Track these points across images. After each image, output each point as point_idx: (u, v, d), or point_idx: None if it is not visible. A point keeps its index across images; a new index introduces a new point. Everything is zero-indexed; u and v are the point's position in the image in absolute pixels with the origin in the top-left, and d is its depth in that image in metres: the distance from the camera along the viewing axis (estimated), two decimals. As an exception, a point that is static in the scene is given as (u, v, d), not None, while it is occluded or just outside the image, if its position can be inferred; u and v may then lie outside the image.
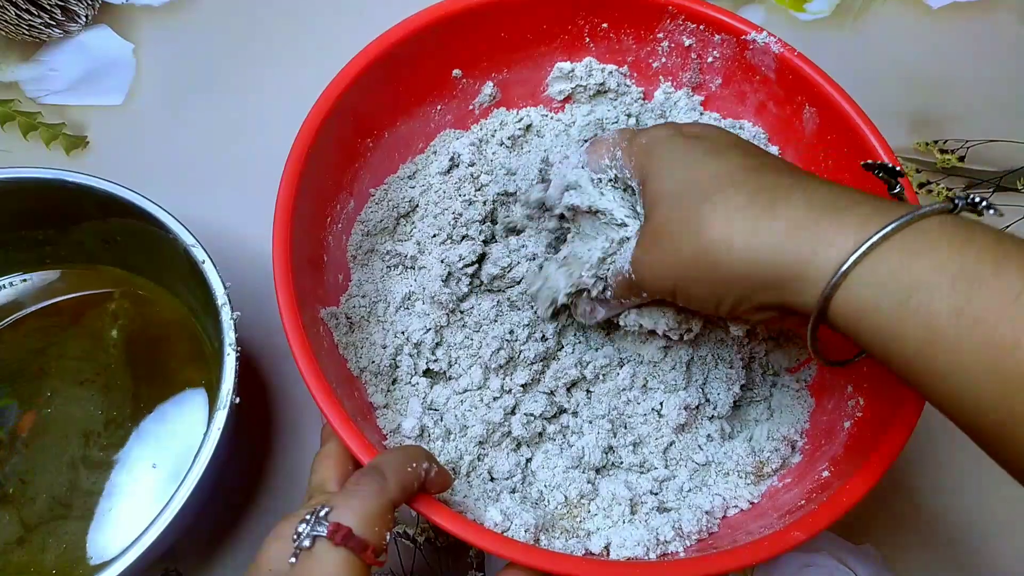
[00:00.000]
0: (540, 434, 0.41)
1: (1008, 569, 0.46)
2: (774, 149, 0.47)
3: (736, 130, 0.47)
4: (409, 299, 0.43)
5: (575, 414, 0.42)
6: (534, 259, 0.42)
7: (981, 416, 0.25)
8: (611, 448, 0.41)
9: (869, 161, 0.36)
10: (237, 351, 0.38)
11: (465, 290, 0.42)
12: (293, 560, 0.28)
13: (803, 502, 0.37)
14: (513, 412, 0.41)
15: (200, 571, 0.44)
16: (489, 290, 0.43)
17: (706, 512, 0.39)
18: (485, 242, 0.43)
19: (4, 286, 0.46)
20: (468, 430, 0.40)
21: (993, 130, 0.58)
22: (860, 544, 0.46)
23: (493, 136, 0.47)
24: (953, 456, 0.48)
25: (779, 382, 0.44)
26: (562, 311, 0.42)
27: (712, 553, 0.34)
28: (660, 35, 0.47)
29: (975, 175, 0.57)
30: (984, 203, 0.28)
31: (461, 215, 0.43)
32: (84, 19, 0.58)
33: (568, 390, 0.42)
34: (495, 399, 0.41)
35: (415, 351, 0.42)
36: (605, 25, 0.46)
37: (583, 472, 0.40)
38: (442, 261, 0.42)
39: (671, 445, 0.41)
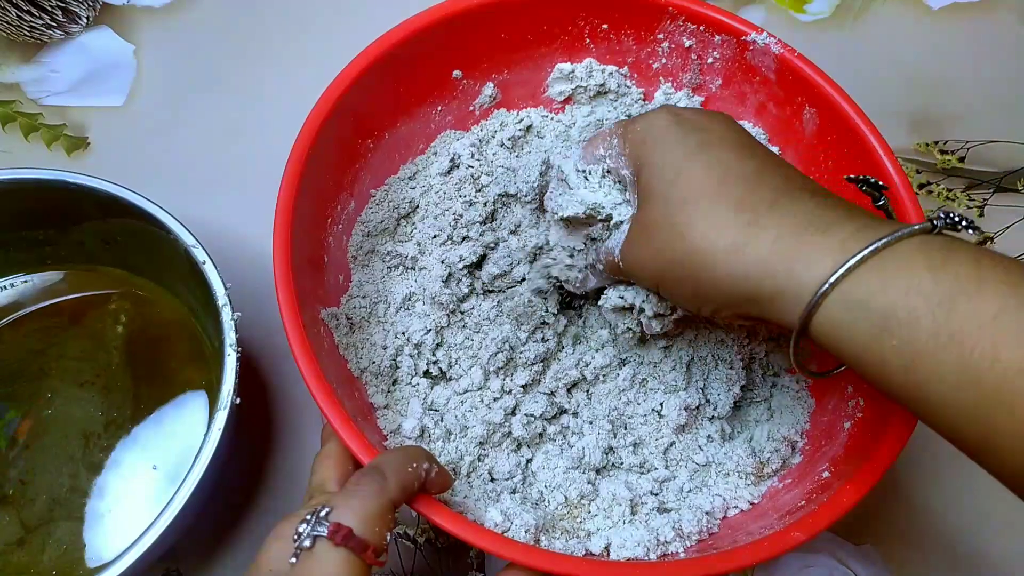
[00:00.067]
0: (540, 435, 0.41)
1: (1008, 569, 0.46)
2: (774, 150, 0.47)
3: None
4: (409, 300, 0.43)
5: (575, 415, 0.42)
6: (535, 259, 0.42)
7: (964, 429, 0.26)
8: (611, 449, 0.41)
9: (851, 175, 0.37)
10: (237, 351, 0.38)
11: (465, 291, 0.43)
12: (293, 560, 0.28)
13: (803, 503, 0.37)
14: (513, 413, 0.41)
15: (200, 571, 0.44)
16: (489, 290, 0.43)
17: (706, 513, 0.39)
18: (486, 245, 0.43)
19: (4, 286, 0.46)
20: (468, 431, 0.40)
21: (993, 130, 0.58)
22: (860, 544, 0.46)
23: (493, 137, 0.48)
24: (953, 457, 0.48)
25: (779, 383, 0.44)
26: (552, 294, 0.42)
27: (712, 554, 0.34)
28: (660, 36, 0.47)
29: (975, 175, 0.57)
30: (963, 222, 0.28)
31: (461, 216, 0.43)
32: (85, 20, 0.58)
33: (568, 391, 0.42)
34: (495, 400, 0.41)
35: (415, 352, 0.42)
36: (605, 26, 0.47)
37: (583, 473, 0.40)
38: (442, 262, 0.42)
39: (671, 446, 0.41)
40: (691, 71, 0.47)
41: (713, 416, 0.42)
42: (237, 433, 0.41)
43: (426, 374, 0.42)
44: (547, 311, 0.42)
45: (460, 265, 0.42)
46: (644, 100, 0.49)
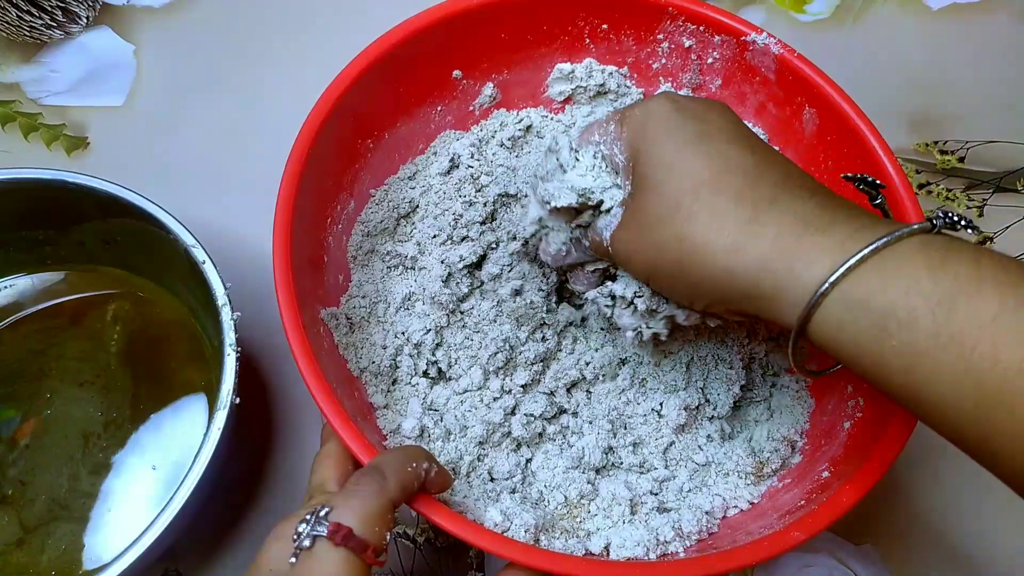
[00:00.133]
0: (540, 434, 0.41)
1: (1008, 569, 0.46)
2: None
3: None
4: (409, 300, 0.43)
5: (575, 414, 0.42)
6: (535, 259, 0.42)
7: (964, 430, 0.26)
8: (611, 448, 0.41)
9: (849, 174, 0.37)
10: (237, 351, 0.38)
11: (465, 291, 0.43)
12: (293, 560, 0.28)
13: (803, 502, 0.37)
14: (513, 412, 0.41)
15: (200, 571, 0.44)
16: (490, 290, 0.43)
17: (706, 512, 0.39)
18: (486, 245, 0.43)
19: (4, 287, 0.46)
20: (468, 430, 0.40)
21: (993, 131, 0.58)
22: (860, 544, 0.46)
23: (493, 137, 0.48)
24: (953, 457, 0.48)
25: (779, 382, 0.44)
26: (550, 288, 0.41)
27: (712, 553, 0.34)
28: (660, 36, 0.47)
29: (975, 176, 0.57)
30: (962, 221, 0.28)
31: (461, 216, 0.43)
32: (85, 20, 0.58)
33: (568, 390, 0.42)
34: (495, 399, 0.41)
35: (415, 351, 0.42)
36: (605, 26, 0.47)
37: (583, 472, 0.40)
38: (442, 262, 0.42)
39: (671, 445, 0.41)
40: (691, 71, 0.47)
41: (713, 416, 0.42)
42: (237, 433, 0.41)
43: (426, 374, 0.42)
44: (547, 310, 0.42)
45: (460, 265, 0.42)
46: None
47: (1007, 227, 0.56)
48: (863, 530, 0.46)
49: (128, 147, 0.55)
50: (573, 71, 0.48)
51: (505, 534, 0.36)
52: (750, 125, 0.47)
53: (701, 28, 0.45)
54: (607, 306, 0.37)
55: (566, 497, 0.40)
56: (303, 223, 0.39)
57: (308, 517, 0.28)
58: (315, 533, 0.28)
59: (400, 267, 0.44)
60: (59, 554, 0.40)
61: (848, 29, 0.62)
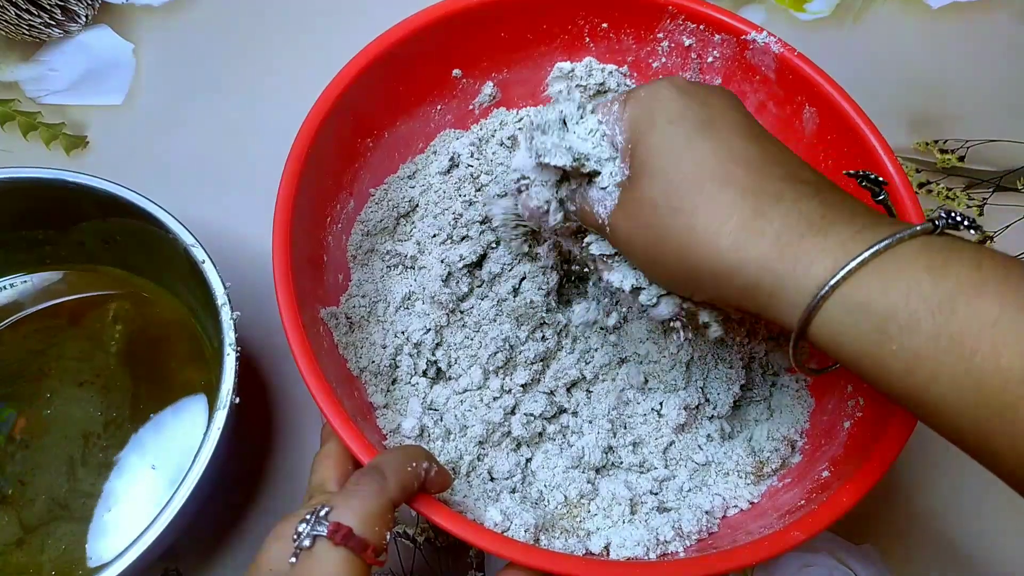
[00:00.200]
0: (540, 434, 0.41)
1: (1008, 569, 0.46)
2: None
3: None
4: (409, 299, 0.43)
5: (575, 414, 0.42)
6: (536, 258, 0.42)
7: (965, 432, 0.26)
8: (611, 448, 0.41)
9: (851, 171, 0.36)
10: (237, 351, 0.38)
11: (465, 290, 0.43)
12: (293, 560, 0.28)
13: (803, 502, 0.37)
14: (513, 412, 0.41)
15: (200, 571, 0.44)
16: (490, 289, 0.43)
17: (706, 512, 0.39)
18: (486, 244, 0.43)
19: (4, 287, 0.46)
20: (468, 430, 0.40)
21: (993, 130, 0.58)
22: (860, 544, 0.46)
23: (493, 136, 0.48)
24: (953, 457, 0.48)
25: (779, 382, 0.44)
26: (551, 286, 0.41)
27: (712, 553, 0.34)
28: (660, 35, 0.47)
29: (975, 175, 0.57)
30: (965, 221, 0.28)
31: (461, 215, 0.43)
32: (84, 19, 0.58)
33: (568, 390, 0.42)
34: (495, 399, 0.41)
35: (415, 351, 0.42)
36: (605, 25, 0.46)
37: (583, 472, 0.40)
38: (442, 261, 0.42)
39: (671, 445, 0.41)
40: (691, 70, 0.47)
41: (713, 415, 0.42)
42: (237, 433, 0.41)
43: (425, 373, 0.42)
44: (547, 310, 0.42)
45: (460, 264, 0.42)
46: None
47: (1007, 226, 0.56)
48: (863, 530, 0.46)
49: (128, 146, 0.55)
50: (573, 70, 0.48)
51: (505, 534, 0.36)
52: (750, 124, 0.47)
53: (701, 27, 0.45)
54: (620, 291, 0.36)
55: (566, 497, 0.40)
56: (303, 222, 0.38)
57: (308, 517, 0.28)
58: (315, 533, 0.28)
59: (400, 266, 0.44)
60: (59, 554, 0.40)
61: (848, 28, 0.62)
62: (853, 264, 0.26)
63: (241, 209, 0.51)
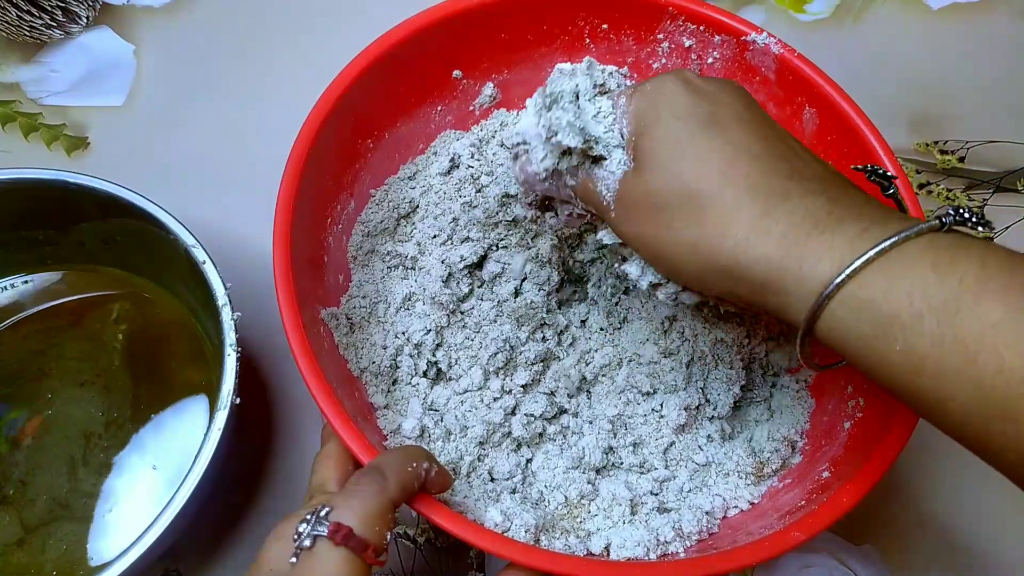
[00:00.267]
0: (540, 435, 0.41)
1: (1008, 570, 0.46)
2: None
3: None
4: (409, 300, 0.43)
5: (575, 415, 0.42)
6: (536, 257, 0.42)
7: (970, 432, 0.26)
8: (611, 448, 0.41)
9: (859, 165, 0.36)
10: (237, 351, 0.38)
11: (465, 291, 0.43)
12: (294, 560, 0.28)
13: (803, 502, 0.37)
14: (513, 413, 0.41)
15: (200, 571, 0.44)
16: (490, 290, 0.43)
17: (706, 512, 0.39)
18: (487, 245, 0.43)
19: (4, 287, 0.46)
20: (468, 431, 0.40)
21: (993, 130, 0.58)
22: (860, 544, 0.46)
23: (493, 137, 0.48)
24: (953, 457, 0.48)
25: (779, 382, 0.44)
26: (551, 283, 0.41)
27: (712, 553, 0.34)
28: (660, 36, 0.47)
29: (975, 176, 0.57)
30: (974, 218, 0.28)
31: (461, 216, 0.43)
32: (85, 20, 0.58)
33: (568, 391, 0.42)
34: (495, 400, 0.41)
35: (415, 352, 0.42)
36: (605, 26, 0.47)
37: (583, 472, 0.40)
38: (442, 262, 0.42)
39: (671, 445, 0.41)
40: (691, 71, 0.47)
41: (713, 416, 0.42)
42: (237, 433, 0.41)
43: (426, 374, 0.42)
44: (547, 310, 0.42)
45: (460, 265, 0.42)
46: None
47: (1007, 227, 0.56)
48: (863, 530, 0.46)
49: (128, 147, 0.55)
50: (573, 71, 0.48)
51: (505, 534, 0.36)
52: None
53: (701, 28, 0.45)
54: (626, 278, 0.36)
55: (566, 497, 0.40)
56: (303, 223, 0.39)
57: (308, 517, 0.28)
58: (315, 533, 0.28)
59: (400, 267, 0.44)
60: (60, 554, 0.40)
61: (848, 29, 0.62)
62: (858, 263, 0.26)
63: (241, 209, 0.51)
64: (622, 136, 0.32)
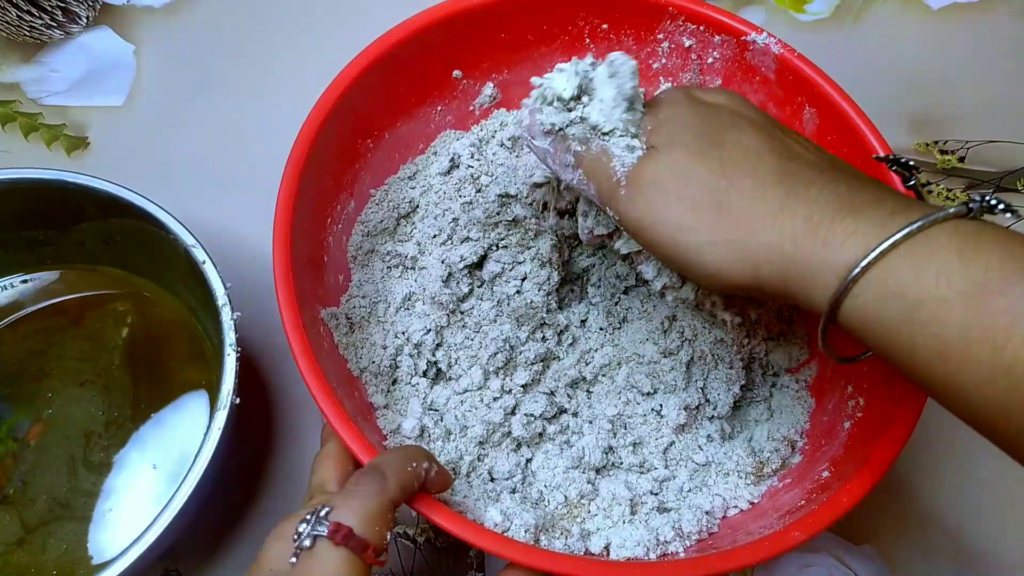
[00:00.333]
0: (540, 434, 0.41)
1: (1008, 569, 0.46)
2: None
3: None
4: (409, 299, 0.43)
5: (575, 414, 0.42)
6: (535, 258, 0.42)
7: (996, 422, 0.25)
8: (611, 448, 0.41)
9: (881, 155, 0.36)
10: (237, 351, 0.38)
11: (465, 290, 0.43)
12: (294, 560, 0.28)
13: (803, 502, 0.37)
14: (513, 412, 0.41)
15: (200, 571, 0.44)
16: (490, 289, 0.43)
17: (706, 512, 0.39)
18: (487, 245, 0.43)
19: (4, 287, 0.46)
20: (468, 430, 0.40)
21: (993, 130, 0.58)
22: (860, 544, 0.46)
23: (493, 137, 0.48)
24: (953, 456, 0.48)
25: (779, 382, 0.44)
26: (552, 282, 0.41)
27: (712, 553, 0.34)
28: (660, 36, 0.47)
29: (975, 176, 0.57)
30: (1000, 205, 0.28)
31: (461, 216, 0.43)
32: (85, 20, 0.58)
33: (568, 390, 0.42)
34: (495, 399, 0.41)
35: (415, 351, 0.42)
36: (605, 26, 0.47)
37: (583, 472, 0.40)
38: (442, 262, 0.42)
39: (671, 445, 0.41)
40: (691, 71, 0.47)
41: (713, 416, 0.42)
42: (237, 433, 0.41)
43: (425, 374, 0.42)
44: (547, 310, 0.42)
45: (460, 265, 0.42)
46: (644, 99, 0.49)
47: (1007, 227, 0.56)
48: (863, 530, 0.46)
49: (128, 147, 0.55)
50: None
51: (505, 534, 0.36)
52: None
53: (701, 28, 0.45)
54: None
55: (566, 497, 0.40)
56: (303, 223, 0.39)
57: (308, 517, 0.28)
58: (315, 533, 0.28)
59: (400, 267, 0.44)
60: (60, 553, 0.40)
61: (848, 29, 0.62)
62: (885, 245, 0.26)
63: (241, 209, 0.51)
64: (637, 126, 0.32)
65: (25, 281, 0.47)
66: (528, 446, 0.41)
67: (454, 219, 0.43)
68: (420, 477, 0.32)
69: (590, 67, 0.33)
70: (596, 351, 0.43)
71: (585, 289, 0.45)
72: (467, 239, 0.43)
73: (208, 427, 0.37)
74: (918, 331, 0.26)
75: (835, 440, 0.40)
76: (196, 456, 0.36)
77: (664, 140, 0.31)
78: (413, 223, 0.45)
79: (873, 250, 0.26)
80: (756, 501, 0.40)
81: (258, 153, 0.52)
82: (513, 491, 0.39)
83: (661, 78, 0.48)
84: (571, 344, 0.43)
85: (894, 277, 0.26)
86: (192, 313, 0.46)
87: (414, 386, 0.42)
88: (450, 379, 0.42)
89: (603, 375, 0.42)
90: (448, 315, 0.42)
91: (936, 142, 0.58)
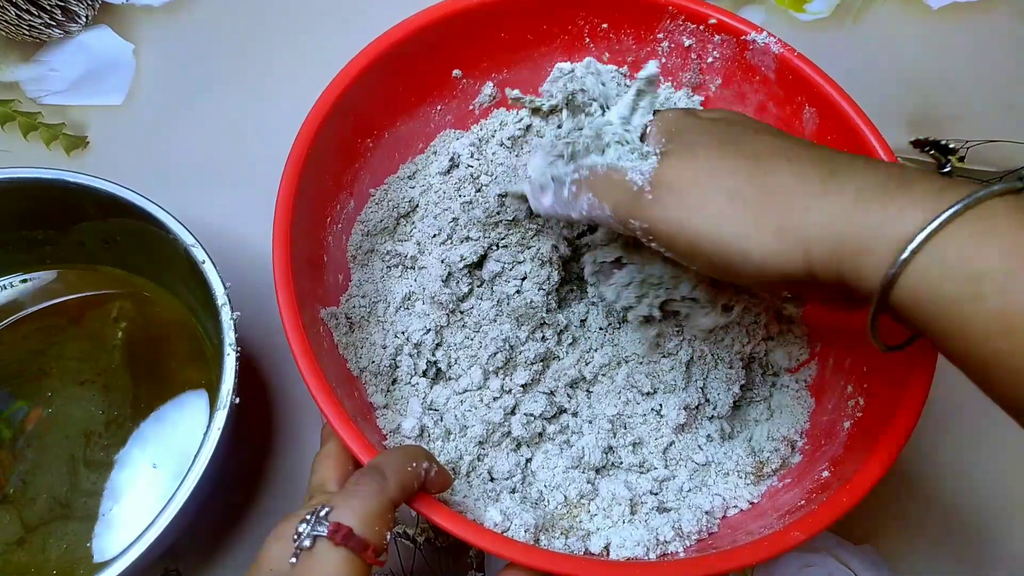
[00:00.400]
0: (540, 434, 0.41)
1: (1009, 570, 0.46)
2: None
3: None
4: (409, 299, 0.43)
5: (575, 414, 0.42)
6: (535, 258, 0.42)
7: None
8: (611, 448, 0.41)
9: (919, 138, 0.35)
10: (237, 351, 0.38)
11: (465, 290, 0.43)
12: (294, 560, 0.28)
13: (803, 502, 0.37)
14: (513, 412, 0.41)
15: (200, 571, 0.44)
16: (490, 289, 0.43)
17: (706, 512, 0.39)
18: (487, 245, 0.43)
19: (4, 286, 0.46)
20: (468, 430, 0.40)
21: (993, 130, 0.58)
22: (860, 544, 0.46)
23: (493, 136, 0.48)
24: (953, 456, 0.48)
25: (779, 382, 0.44)
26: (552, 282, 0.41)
27: (712, 553, 0.34)
28: (660, 35, 0.47)
29: (975, 175, 0.57)
30: None
31: (461, 216, 0.43)
32: (84, 19, 0.58)
33: (568, 390, 0.42)
34: (495, 399, 0.41)
35: (415, 351, 0.42)
36: (605, 25, 0.46)
37: (583, 472, 0.40)
38: (442, 261, 0.42)
39: (671, 445, 0.41)
40: (691, 70, 0.47)
41: (713, 416, 0.42)
42: (237, 433, 0.41)
43: (425, 374, 0.42)
44: (547, 310, 0.42)
45: (460, 264, 0.42)
46: (644, 100, 0.49)
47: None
48: (863, 530, 0.46)
49: (128, 147, 0.55)
50: (573, 70, 0.48)
51: (505, 534, 0.36)
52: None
53: (701, 27, 0.45)
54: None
55: (566, 497, 0.40)
56: (303, 223, 0.39)
57: (308, 517, 0.28)
58: (315, 533, 0.28)
59: (400, 267, 0.44)
60: (60, 553, 0.40)
61: (848, 29, 0.62)
62: (947, 215, 0.25)
63: (241, 209, 0.51)
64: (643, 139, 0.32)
65: (25, 281, 0.47)
66: (528, 446, 0.41)
67: (454, 219, 0.43)
68: (420, 477, 0.32)
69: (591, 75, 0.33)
70: (596, 351, 0.43)
71: (585, 289, 0.45)
72: (467, 239, 0.43)
73: (208, 427, 0.37)
74: (980, 306, 0.25)
75: (835, 440, 0.40)
76: (196, 456, 0.36)
77: (681, 147, 0.30)
78: (413, 223, 0.45)
79: (933, 220, 0.25)
80: (756, 501, 0.40)
81: (258, 153, 0.52)
82: (513, 491, 0.39)
83: (661, 78, 0.48)
84: (571, 344, 0.43)
85: (954, 249, 0.25)
86: (192, 313, 0.46)
87: (414, 386, 0.42)
88: (450, 379, 0.42)
89: (603, 375, 0.42)
90: (448, 315, 0.42)
91: (936, 141, 0.58)
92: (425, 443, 0.39)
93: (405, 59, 0.43)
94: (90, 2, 0.58)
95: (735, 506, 0.40)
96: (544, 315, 0.42)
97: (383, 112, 0.44)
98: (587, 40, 0.47)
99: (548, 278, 0.42)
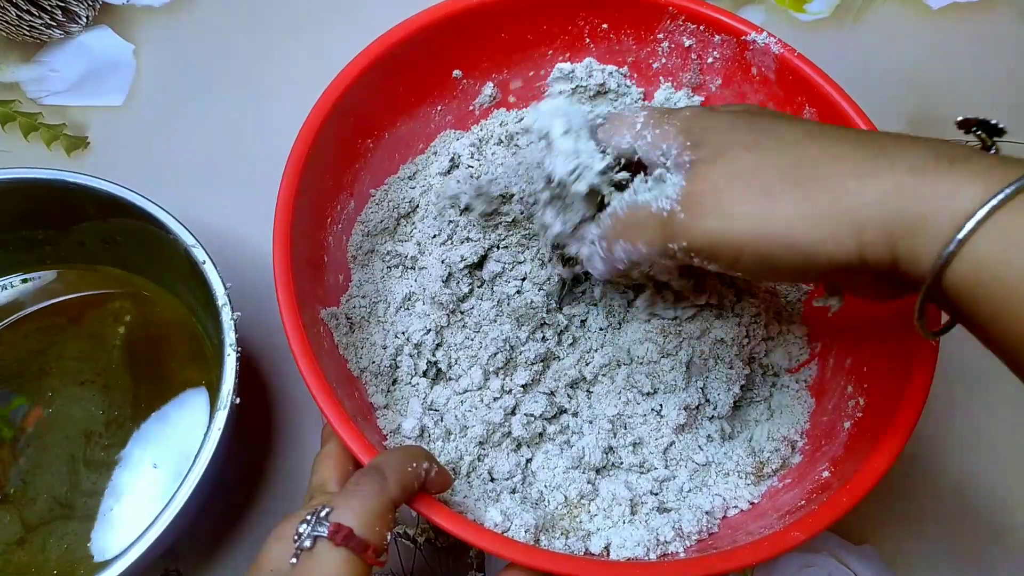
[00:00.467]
0: (540, 434, 0.41)
1: (1009, 569, 0.46)
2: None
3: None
4: (409, 299, 0.43)
5: (575, 414, 0.42)
6: (535, 258, 0.42)
7: None
8: (611, 448, 0.41)
9: (965, 118, 0.33)
10: (237, 351, 0.38)
11: (465, 290, 0.43)
12: (294, 560, 0.28)
13: (803, 502, 0.37)
14: (513, 412, 0.41)
15: (200, 571, 0.44)
16: (490, 289, 0.43)
17: (706, 512, 0.39)
18: (487, 245, 0.43)
19: (4, 286, 0.46)
20: (468, 430, 0.40)
21: (993, 130, 0.58)
22: (860, 544, 0.46)
23: (493, 136, 0.48)
24: (953, 456, 0.48)
25: (779, 382, 0.44)
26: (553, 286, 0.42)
27: (712, 553, 0.34)
28: (660, 35, 0.47)
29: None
30: None
31: (461, 216, 0.43)
32: (84, 20, 0.58)
33: (568, 390, 0.42)
34: (495, 399, 0.41)
35: (415, 351, 0.42)
36: (605, 26, 0.47)
37: (583, 472, 0.40)
38: (442, 261, 0.42)
39: (671, 445, 0.41)
40: (691, 71, 0.47)
41: (713, 416, 0.42)
42: (237, 433, 0.41)
43: (425, 374, 0.42)
44: (547, 310, 0.42)
45: (460, 265, 0.42)
46: (644, 100, 0.49)
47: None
48: (863, 530, 0.46)
49: (128, 147, 0.55)
50: (573, 71, 0.48)
51: (505, 534, 0.36)
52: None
53: (701, 27, 0.45)
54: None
55: (566, 497, 0.40)
56: (303, 223, 0.39)
57: (309, 517, 0.28)
58: (316, 533, 0.28)
59: (400, 267, 0.44)
60: (61, 553, 0.40)
61: (848, 29, 0.62)
62: (1011, 189, 0.23)
63: (241, 209, 0.51)
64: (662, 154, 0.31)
65: (25, 281, 0.47)
66: (528, 446, 0.41)
67: (454, 219, 0.43)
68: (420, 477, 0.32)
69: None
70: (596, 351, 0.43)
71: (585, 290, 0.45)
72: (467, 239, 0.43)
73: (208, 427, 0.37)
74: None
75: (835, 440, 0.40)
76: (196, 456, 0.36)
77: (712, 149, 0.29)
78: (413, 223, 0.45)
79: (997, 195, 0.23)
80: (756, 501, 0.40)
81: (258, 153, 0.52)
82: (513, 491, 0.39)
83: (661, 78, 0.48)
84: (571, 344, 0.43)
85: (1015, 225, 0.23)
86: (192, 313, 0.46)
87: (414, 386, 0.42)
88: (450, 379, 0.42)
89: (603, 375, 0.42)
90: (448, 315, 0.42)
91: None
92: (425, 443, 0.39)
93: (405, 59, 0.43)
94: (90, 3, 0.58)
95: (735, 506, 0.40)
96: (544, 315, 0.42)
97: (383, 112, 0.44)
98: (587, 40, 0.47)
99: (548, 278, 0.42)
